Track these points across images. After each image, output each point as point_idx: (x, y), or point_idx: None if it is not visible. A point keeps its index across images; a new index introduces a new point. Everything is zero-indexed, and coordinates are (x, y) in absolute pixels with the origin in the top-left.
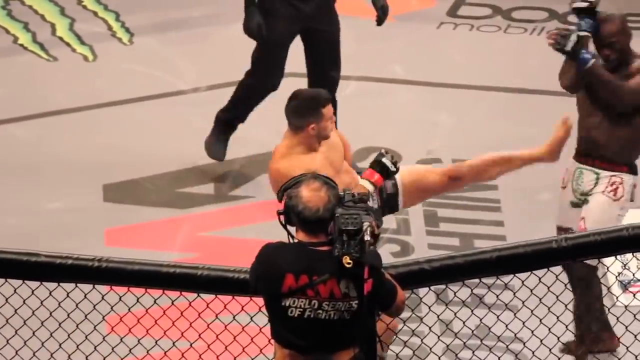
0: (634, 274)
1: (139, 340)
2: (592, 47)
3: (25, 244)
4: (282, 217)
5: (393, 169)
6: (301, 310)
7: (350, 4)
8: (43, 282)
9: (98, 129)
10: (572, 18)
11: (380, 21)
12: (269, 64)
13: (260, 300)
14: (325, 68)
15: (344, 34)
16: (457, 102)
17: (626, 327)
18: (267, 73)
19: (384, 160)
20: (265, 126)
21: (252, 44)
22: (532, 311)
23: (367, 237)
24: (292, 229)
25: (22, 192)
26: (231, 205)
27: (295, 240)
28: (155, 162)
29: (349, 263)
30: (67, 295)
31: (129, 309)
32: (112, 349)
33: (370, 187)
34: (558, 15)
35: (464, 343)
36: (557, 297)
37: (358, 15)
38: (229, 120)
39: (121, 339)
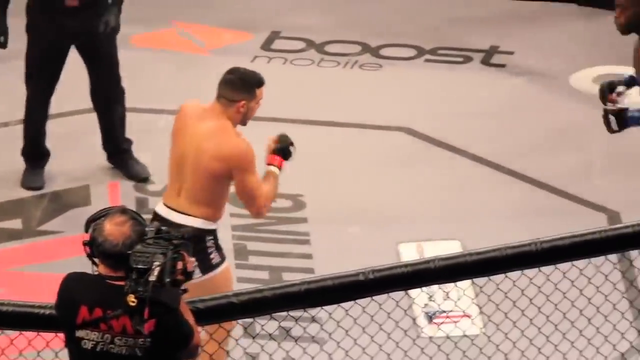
0: (439, 306)
1: None
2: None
3: None
4: (87, 248)
5: (293, 152)
6: (94, 343)
7: (167, 37)
8: None
9: None
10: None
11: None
12: (38, 76)
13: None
14: (104, 85)
15: (160, 67)
16: (268, 135)
17: (431, 359)
18: (37, 85)
19: (287, 146)
20: (75, 161)
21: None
22: (338, 343)
23: (152, 278)
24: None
25: None
26: (39, 240)
27: (96, 272)
28: None
29: (132, 301)
30: None
31: None
32: None
33: (278, 172)
34: (371, 48)
35: None
36: (363, 329)
37: (174, 49)
38: (28, 147)
39: None
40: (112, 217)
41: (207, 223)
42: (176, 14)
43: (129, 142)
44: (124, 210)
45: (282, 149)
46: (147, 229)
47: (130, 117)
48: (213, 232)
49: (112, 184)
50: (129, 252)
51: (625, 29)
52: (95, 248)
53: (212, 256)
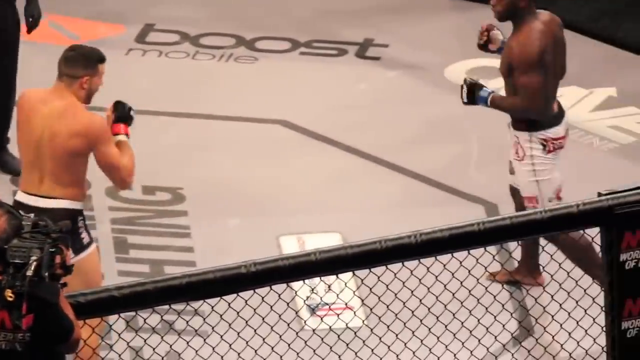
0: (321, 298)
1: None
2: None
3: None
4: None
5: (133, 114)
6: None
7: (39, 30)
8: None
9: None
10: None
11: (29, 30)
12: None
13: None
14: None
15: (32, 60)
16: (146, 128)
17: (314, 351)
18: None
19: (125, 109)
20: None
21: None
22: (221, 336)
23: (29, 272)
24: None
25: None
26: None
27: None
28: None
29: (10, 296)
30: None
31: None
32: None
33: (126, 138)
34: (246, 41)
35: None
36: (246, 322)
37: (47, 42)
38: None
39: None
40: None
41: (75, 203)
42: (48, 7)
43: (9, 139)
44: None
45: (123, 116)
46: (23, 222)
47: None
48: (81, 212)
49: None
50: (5, 246)
51: (502, 17)
52: None
53: (82, 236)
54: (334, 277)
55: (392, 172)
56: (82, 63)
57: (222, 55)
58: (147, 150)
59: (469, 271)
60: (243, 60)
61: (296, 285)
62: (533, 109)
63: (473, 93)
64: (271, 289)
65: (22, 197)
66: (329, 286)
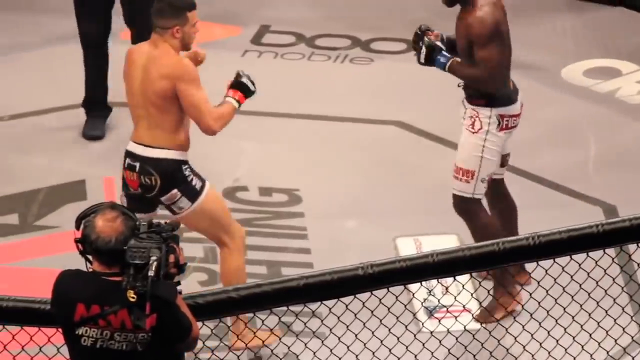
0: (439, 300)
1: None
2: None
3: None
4: (79, 246)
5: (253, 88)
6: (93, 339)
7: None
8: None
9: None
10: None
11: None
12: (83, 11)
13: None
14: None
15: None
16: (262, 129)
17: (432, 353)
18: (83, 21)
19: (243, 80)
20: (71, 156)
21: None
22: (339, 338)
23: (151, 273)
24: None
25: None
26: (36, 235)
27: (91, 269)
28: None
29: (132, 297)
30: None
31: None
32: None
33: (236, 103)
34: (361, 42)
35: None
36: (364, 324)
37: None
38: (88, 97)
39: None
40: (103, 213)
41: (179, 153)
42: None
43: None
44: (113, 206)
45: (240, 84)
46: (138, 223)
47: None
48: (186, 162)
49: (107, 178)
50: (124, 247)
51: (448, 2)
52: (88, 245)
53: (194, 183)
54: (451, 279)
55: (509, 174)
56: (170, 13)
57: (337, 56)
58: (263, 152)
59: (588, 274)
60: (358, 61)
61: (413, 287)
62: (493, 80)
63: (431, 55)
64: (388, 290)
65: (131, 146)
66: (447, 288)
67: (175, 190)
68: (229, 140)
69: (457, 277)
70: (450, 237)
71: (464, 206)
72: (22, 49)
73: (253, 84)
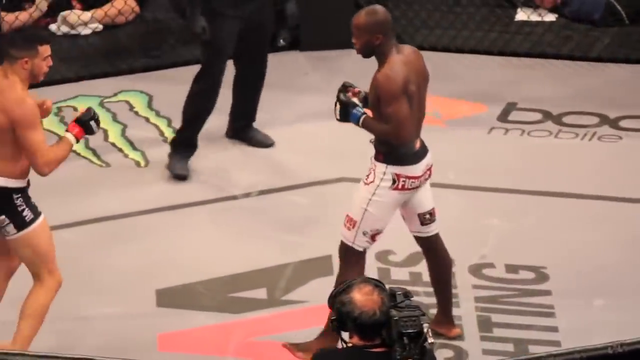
0: None
1: None
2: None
3: (76, 349)
4: (335, 324)
5: (95, 130)
6: None
7: None
8: None
9: (149, 234)
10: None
11: None
12: (216, 65)
13: None
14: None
15: None
16: (508, 206)
17: None
18: (213, 74)
19: (87, 119)
20: (318, 232)
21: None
22: None
23: (430, 340)
24: (345, 335)
25: (73, 297)
26: (284, 309)
27: (350, 344)
28: (207, 266)
29: None
30: None
31: None
32: None
33: (73, 140)
34: (609, 120)
35: None
36: None
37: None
38: (185, 138)
39: None
40: (360, 288)
41: (13, 181)
42: None
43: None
44: (367, 280)
45: (84, 121)
46: (394, 293)
47: None
48: (20, 190)
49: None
50: (387, 318)
51: (363, 54)
52: (350, 321)
53: (24, 214)
54: None
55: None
56: (20, 45)
57: (585, 134)
58: (510, 229)
59: None
60: (607, 139)
61: None
62: (401, 137)
63: (346, 110)
64: None
65: None
66: None
67: (3, 217)
68: (474, 217)
69: None
70: None
71: (343, 253)
72: None
73: (98, 125)
